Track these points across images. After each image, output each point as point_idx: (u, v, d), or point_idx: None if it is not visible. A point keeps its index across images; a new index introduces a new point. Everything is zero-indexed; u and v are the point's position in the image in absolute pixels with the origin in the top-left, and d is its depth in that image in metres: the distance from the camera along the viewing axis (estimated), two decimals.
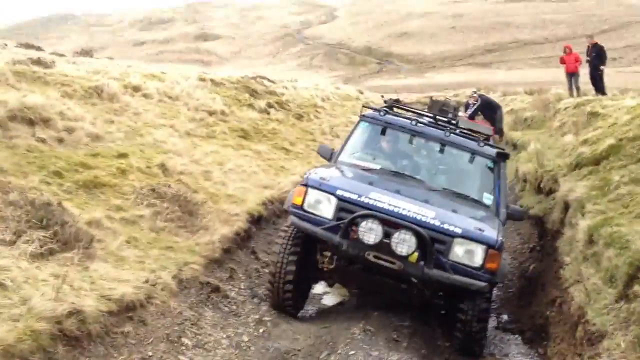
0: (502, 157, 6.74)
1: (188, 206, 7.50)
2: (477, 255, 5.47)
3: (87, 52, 30.72)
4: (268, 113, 17.13)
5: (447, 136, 6.68)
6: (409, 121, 6.85)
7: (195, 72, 20.62)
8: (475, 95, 20.74)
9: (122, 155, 8.64)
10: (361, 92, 35.12)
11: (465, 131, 7.05)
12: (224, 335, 5.49)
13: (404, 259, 5.37)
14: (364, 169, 6.48)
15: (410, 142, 6.86)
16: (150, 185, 7.67)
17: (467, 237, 5.48)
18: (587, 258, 5.73)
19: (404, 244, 5.35)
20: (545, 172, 9.38)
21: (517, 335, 6.71)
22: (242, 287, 6.54)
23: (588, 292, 5.05)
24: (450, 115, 7.32)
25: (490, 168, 6.72)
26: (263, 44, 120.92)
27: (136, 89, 13.55)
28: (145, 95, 13.42)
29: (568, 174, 8.54)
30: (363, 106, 7.35)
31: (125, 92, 12.82)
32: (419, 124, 6.79)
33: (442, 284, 5.55)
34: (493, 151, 6.75)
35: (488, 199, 6.50)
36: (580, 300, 5.10)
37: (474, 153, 6.64)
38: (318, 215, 5.67)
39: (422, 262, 5.40)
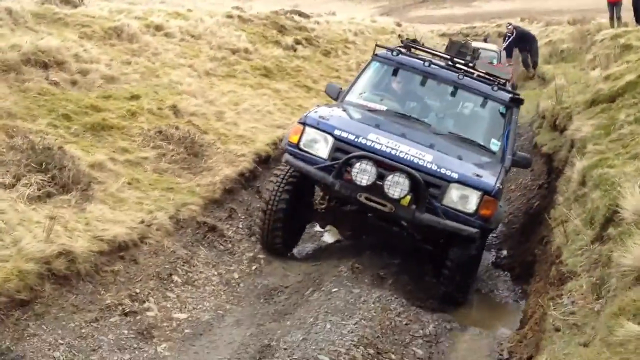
0: (516, 102, 6.57)
1: (194, 148, 7.69)
2: (471, 201, 5.41)
3: None
4: (295, 50, 16.99)
5: (461, 79, 6.50)
6: (422, 62, 6.68)
7: (226, 8, 20.49)
8: (510, 27, 20.16)
9: (134, 97, 8.81)
10: (399, 25, 34.29)
11: (481, 74, 6.85)
12: (215, 273, 5.75)
13: (395, 201, 5.35)
14: (369, 110, 6.42)
15: (422, 84, 6.69)
16: (159, 127, 7.86)
17: (462, 182, 5.41)
18: (577, 199, 5.68)
19: (397, 186, 5.31)
20: (562, 108, 9.15)
21: (507, 272, 6.79)
22: (240, 227, 6.75)
23: (567, 233, 5.05)
24: (468, 58, 7.07)
25: (502, 113, 6.55)
26: None
27: (158, 28, 13.58)
28: (167, 35, 13.45)
29: (583, 112, 8.32)
30: (376, 45, 7.20)
31: (146, 32, 12.87)
32: (432, 66, 6.62)
33: (433, 228, 5.53)
34: (506, 96, 6.55)
35: (495, 144, 6.37)
36: (559, 241, 5.12)
37: (486, 97, 6.49)
38: (313, 155, 5.65)
39: (414, 206, 5.38)
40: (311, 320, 4.82)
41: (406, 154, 5.45)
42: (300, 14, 25.00)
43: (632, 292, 3.62)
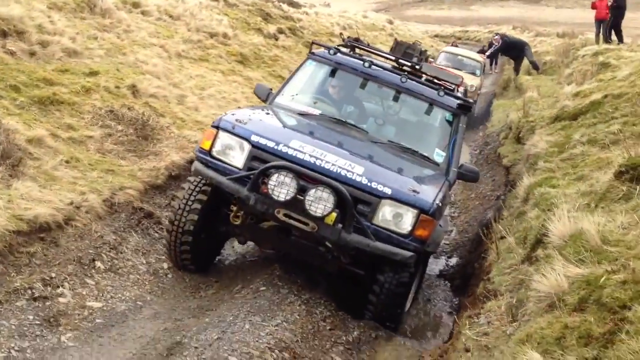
0: (463, 109, 6.04)
1: (145, 130, 7.50)
2: (405, 221, 4.78)
3: None
4: (276, 39, 16.81)
5: (404, 82, 5.95)
6: (363, 63, 6.10)
7: None
8: (497, 37, 20.14)
9: (93, 74, 8.60)
10: (391, 22, 34.13)
11: (429, 78, 6.36)
12: (144, 261, 5.57)
13: (318, 219, 4.68)
14: (300, 114, 5.83)
15: (362, 87, 6.11)
16: (111, 107, 7.66)
17: (396, 198, 4.77)
18: (519, 215, 5.60)
19: (320, 202, 4.64)
20: (527, 122, 9.07)
21: (448, 282, 6.69)
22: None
23: (499, 250, 4.95)
24: (414, 60, 6.72)
25: (448, 121, 6.06)
26: None
27: (135, 5, 13.38)
28: (143, 13, 13.25)
29: (546, 127, 8.25)
30: (312, 43, 6.61)
31: (122, 8, 12.67)
32: (373, 67, 6.06)
33: (362, 251, 4.87)
34: (453, 102, 6.04)
35: (439, 155, 5.85)
36: (492, 257, 5.01)
37: (431, 103, 5.97)
38: (227, 163, 4.98)
39: (339, 225, 4.71)
40: (231, 318, 4.67)
41: (333, 165, 4.81)
42: (291, 3, 24.78)
43: (542, 319, 3.52)
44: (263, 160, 4.89)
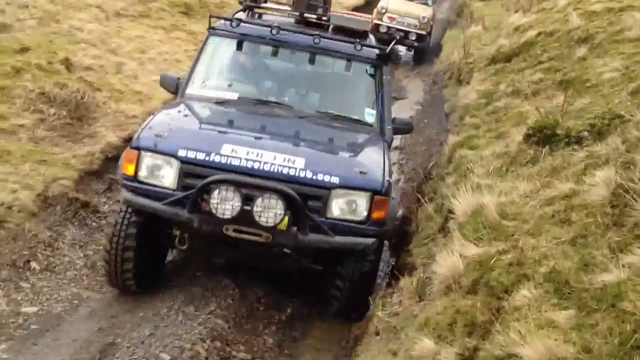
0: (383, 59, 5.72)
1: (79, 110, 7.44)
2: (360, 206, 4.55)
3: None
4: None
5: (317, 43, 5.50)
6: (270, 29, 5.57)
7: None
8: None
9: (24, 50, 8.42)
10: None
11: (339, 30, 5.95)
12: (82, 255, 5.67)
13: (272, 228, 4.41)
14: (217, 103, 5.42)
15: (275, 55, 5.73)
16: (42, 88, 7.55)
17: (346, 186, 4.53)
18: (442, 178, 5.71)
19: (269, 211, 4.34)
20: (466, 63, 9.06)
21: (386, 241, 6.81)
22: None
23: (419, 219, 5.09)
24: (320, 11, 6.03)
25: (371, 75, 5.75)
26: None
27: None
28: None
29: (483, 69, 8.27)
30: (210, 16, 5.92)
31: None
32: (281, 32, 5.56)
33: (323, 249, 4.71)
34: (372, 53, 5.70)
35: (370, 115, 5.60)
36: (411, 228, 5.16)
37: (349, 59, 5.63)
38: (158, 186, 4.55)
39: (294, 228, 4.46)
40: (165, 310, 4.80)
41: (272, 164, 4.48)
42: None
43: (439, 302, 3.69)
44: (197, 175, 4.49)
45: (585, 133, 4.65)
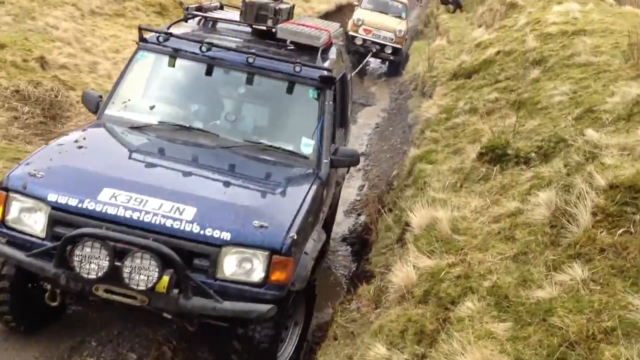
0: (327, 82, 5.00)
1: (53, 109, 7.59)
2: (256, 267, 3.87)
3: None
4: None
5: (252, 62, 4.83)
6: (200, 46, 4.90)
7: None
8: None
9: None
10: None
11: (295, 44, 5.35)
12: None
13: (147, 291, 3.72)
14: (132, 128, 4.79)
15: (208, 74, 4.99)
16: (17, 86, 7.67)
17: (239, 243, 3.84)
18: (402, 189, 6.05)
19: (141, 272, 3.67)
20: (430, 77, 9.44)
21: (349, 247, 7.11)
22: None
23: (379, 229, 5.40)
24: (269, 23, 5.53)
25: (314, 99, 5.03)
26: None
27: None
28: None
29: (445, 84, 8.65)
30: (140, 28, 5.19)
31: None
32: (214, 49, 4.91)
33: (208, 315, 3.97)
34: (314, 74, 4.96)
35: (307, 145, 4.88)
36: (372, 238, 5.48)
37: (290, 81, 4.93)
38: (26, 233, 3.93)
39: (175, 290, 3.77)
40: None
41: (155, 215, 3.81)
42: None
43: (394, 310, 4.01)
44: (68, 223, 3.86)
45: (533, 154, 5.03)
